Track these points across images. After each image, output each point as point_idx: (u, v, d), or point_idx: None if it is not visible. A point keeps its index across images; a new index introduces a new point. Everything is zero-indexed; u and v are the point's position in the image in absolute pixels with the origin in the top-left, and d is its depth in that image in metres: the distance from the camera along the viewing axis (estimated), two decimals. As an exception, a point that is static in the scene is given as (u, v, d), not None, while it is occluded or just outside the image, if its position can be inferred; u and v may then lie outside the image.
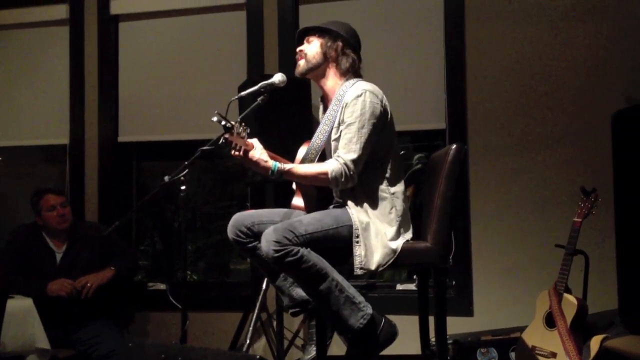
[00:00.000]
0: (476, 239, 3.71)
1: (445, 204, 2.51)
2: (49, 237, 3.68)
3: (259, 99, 2.62)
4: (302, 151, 2.70)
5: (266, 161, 2.44)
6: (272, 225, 2.42)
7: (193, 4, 4.25)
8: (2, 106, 4.55)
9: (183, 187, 3.05)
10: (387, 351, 2.52)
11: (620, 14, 3.58)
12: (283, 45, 4.02)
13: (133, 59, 4.39)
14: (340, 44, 2.64)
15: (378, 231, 2.47)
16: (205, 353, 2.84)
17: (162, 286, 4.20)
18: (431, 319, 2.67)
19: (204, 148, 2.67)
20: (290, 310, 2.70)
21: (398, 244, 2.48)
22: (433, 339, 2.68)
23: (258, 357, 2.73)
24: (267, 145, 2.51)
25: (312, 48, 2.66)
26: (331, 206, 2.65)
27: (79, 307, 3.52)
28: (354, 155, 2.46)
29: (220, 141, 2.40)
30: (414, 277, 3.75)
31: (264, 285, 3.61)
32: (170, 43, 4.32)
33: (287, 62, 3.80)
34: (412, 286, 3.84)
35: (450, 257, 2.55)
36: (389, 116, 2.59)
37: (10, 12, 4.52)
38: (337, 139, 2.53)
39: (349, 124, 2.49)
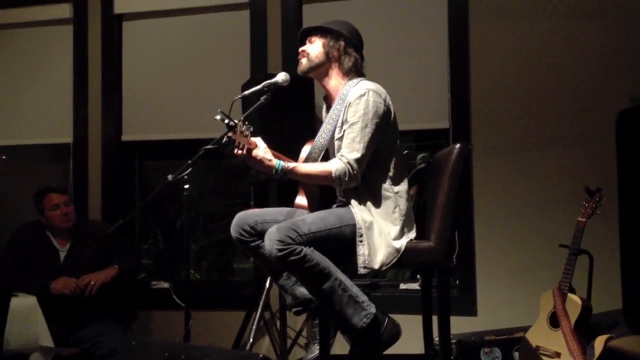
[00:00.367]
0: (480, 238, 3.70)
1: (448, 204, 2.51)
2: (52, 235, 3.69)
3: (262, 98, 2.62)
4: (305, 150, 2.70)
5: (270, 160, 2.44)
6: (276, 224, 2.42)
7: (196, 3, 4.25)
8: (5, 105, 4.56)
9: (186, 186, 3.05)
10: (391, 350, 2.51)
11: (625, 13, 3.57)
12: (286, 44, 4.02)
13: (136, 58, 4.39)
14: (342, 43, 2.63)
15: (381, 230, 2.47)
16: (209, 351, 2.84)
17: (166, 285, 4.20)
18: (434, 319, 2.66)
19: (208, 147, 2.67)
20: (294, 309, 2.70)
21: (402, 243, 2.48)
22: (436, 339, 2.68)
23: (261, 355, 2.73)
24: (270, 145, 2.50)
25: (314, 48, 2.66)
26: (334, 205, 2.64)
27: (83, 305, 3.53)
28: (358, 155, 2.46)
29: (224, 140, 2.39)
30: (418, 276, 3.75)
31: (267, 284, 3.62)
32: (174, 42, 4.32)
33: (291, 61, 3.80)
34: (415, 285, 3.83)
35: (454, 257, 2.54)
36: (392, 115, 2.59)
37: (13, 11, 4.53)
38: (341, 139, 2.53)
39: (352, 124, 2.49)
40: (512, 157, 3.68)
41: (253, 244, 2.61)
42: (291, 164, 2.49)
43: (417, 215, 2.64)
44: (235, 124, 2.37)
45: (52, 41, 4.49)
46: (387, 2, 3.95)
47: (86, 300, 3.52)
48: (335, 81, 2.66)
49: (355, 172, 2.46)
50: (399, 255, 2.46)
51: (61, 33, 4.46)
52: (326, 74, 2.67)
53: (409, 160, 3.98)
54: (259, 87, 2.64)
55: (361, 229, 2.44)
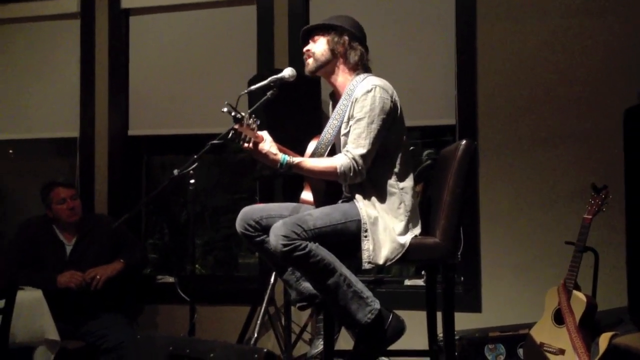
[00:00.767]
0: (485, 235, 3.70)
1: (454, 200, 2.50)
2: (59, 229, 3.71)
3: (268, 93, 2.61)
4: (311, 145, 2.70)
5: (275, 154, 2.44)
6: (281, 220, 2.42)
7: (203, -2, 4.26)
8: (12, 99, 4.57)
9: (192, 181, 3.06)
10: (395, 346, 2.52)
11: (632, 10, 3.55)
12: (293, 39, 4.01)
13: (143, 53, 4.40)
14: (346, 38, 2.62)
15: (386, 226, 2.47)
16: (213, 346, 2.85)
17: (171, 279, 4.21)
18: (439, 315, 2.66)
19: (214, 142, 2.67)
20: (298, 304, 2.70)
21: (406, 239, 2.48)
22: (441, 335, 2.68)
23: (265, 350, 2.74)
24: (276, 140, 2.50)
25: (319, 46, 2.65)
26: (340, 201, 2.65)
27: (89, 299, 3.55)
28: (363, 150, 2.46)
29: (230, 132, 2.39)
30: (422, 272, 3.75)
31: (272, 279, 3.62)
32: (181, 37, 4.32)
33: (297, 56, 3.76)
34: (420, 282, 3.83)
35: (459, 253, 2.54)
36: (398, 111, 2.58)
37: (21, 6, 4.53)
38: (347, 134, 2.53)
39: (359, 119, 2.49)
40: (518, 154, 3.68)
41: (258, 239, 2.61)
42: (296, 159, 2.49)
43: (422, 211, 2.64)
44: (242, 117, 2.36)
45: (59, 36, 4.50)
46: (394, -2, 3.95)
47: (92, 294, 3.54)
48: (342, 77, 2.65)
49: (360, 167, 2.46)
50: (403, 251, 2.46)
51: (68, 27, 4.46)
52: (333, 71, 2.66)
53: (415, 157, 3.98)
54: (265, 82, 2.63)
55: (366, 224, 2.45)
